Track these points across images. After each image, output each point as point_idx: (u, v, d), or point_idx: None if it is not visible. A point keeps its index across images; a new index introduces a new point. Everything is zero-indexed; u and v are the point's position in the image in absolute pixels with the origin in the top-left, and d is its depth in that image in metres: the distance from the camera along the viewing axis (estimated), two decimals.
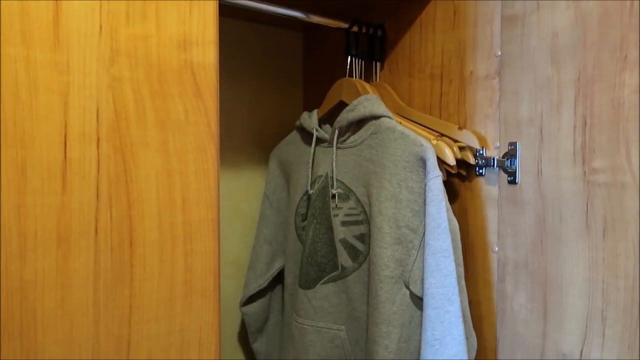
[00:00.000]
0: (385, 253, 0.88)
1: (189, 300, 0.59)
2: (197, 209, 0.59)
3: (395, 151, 0.89)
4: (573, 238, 0.77)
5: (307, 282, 0.98)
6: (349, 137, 0.97)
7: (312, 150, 1.02)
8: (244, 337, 1.14)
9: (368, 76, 1.15)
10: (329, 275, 0.96)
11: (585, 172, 0.75)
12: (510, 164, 0.88)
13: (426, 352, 0.82)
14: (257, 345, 1.10)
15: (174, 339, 0.58)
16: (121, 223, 0.54)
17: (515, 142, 0.87)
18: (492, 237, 0.91)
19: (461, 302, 0.85)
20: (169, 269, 0.57)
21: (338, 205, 0.97)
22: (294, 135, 1.11)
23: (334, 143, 0.97)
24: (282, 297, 1.11)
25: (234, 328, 1.15)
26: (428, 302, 0.82)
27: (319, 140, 1.02)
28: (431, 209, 0.85)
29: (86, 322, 0.53)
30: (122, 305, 0.55)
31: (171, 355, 0.58)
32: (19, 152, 0.49)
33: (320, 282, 0.97)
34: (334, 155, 0.97)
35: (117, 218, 0.54)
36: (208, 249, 0.60)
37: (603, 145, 0.73)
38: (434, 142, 0.93)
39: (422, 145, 0.87)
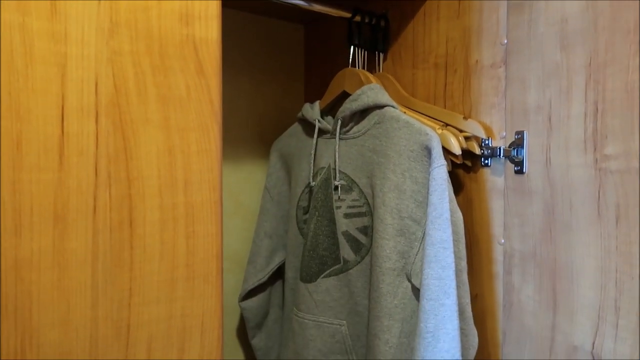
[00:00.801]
0: (388, 245, 0.86)
1: (191, 285, 0.57)
2: (199, 190, 0.57)
3: (399, 140, 0.87)
4: (584, 227, 0.75)
5: (309, 276, 0.96)
6: (352, 127, 0.96)
7: (314, 142, 1.00)
8: (243, 334, 1.11)
9: (371, 67, 1.13)
10: (331, 269, 0.94)
11: (596, 159, 0.74)
12: (517, 154, 0.86)
13: (419, 344, 0.80)
14: (256, 341, 1.07)
15: (175, 324, 0.56)
16: (121, 202, 0.52)
17: (523, 131, 0.85)
18: (498, 229, 0.89)
19: (462, 297, 0.83)
20: (170, 251, 0.55)
21: (341, 197, 0.95)
22: (296, 127, 1.09)
23: (337, 134, 0.95)
24: (283, 292, 1.09)
25: (232, 324, 1.12)
26: (424, 293, 0.80)
27: (321, 132, 1.00)
28: (434, 198, 0.83)
29: (84, 305, 0.50)
30: (122, 288, 0.52)
31: (172, 340, 0.56)
32: (14, 125, 0.47)
33: (322, 276, 0.94)
34: (337, 146, 0.95)
35: (117, 197, 0.52)
36: (210, 232, 0.57)
37: (616, 131, 0.71)
38: (439, 131, 0.91)
39: (427, 134, 0.85)
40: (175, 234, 0.56)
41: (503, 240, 0.87)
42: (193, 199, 0.56)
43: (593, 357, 0.73)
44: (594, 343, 0.73)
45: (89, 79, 0.50)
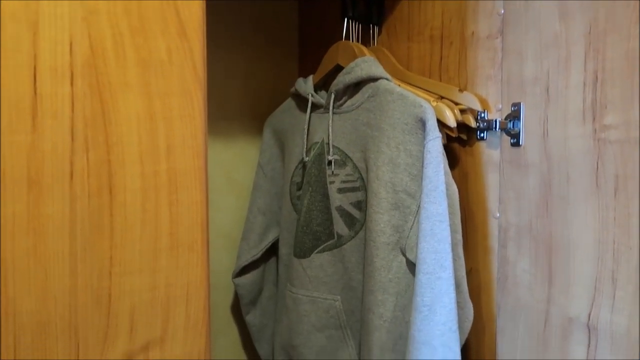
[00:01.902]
0: (382, 219, 0.84)
1: (175, 254, 0.55)
2: (182, 156, 0.55)
3: (393, 113, 0.86)
4: (582, 199, 0.73)
5: (302, 251, 0.94)
6: (345, 101, 0.94)
7: (308, 117, 0.98)
8: (237, 310, 1.11)
9: (365, 41, 1.10)
10: (325, 244, 0.93)
11: (595, 130, 0.72)
12: (513, 126, 0.85)
13: (415, 317, 0.79)
14: (251, 318, 1.06)
15: (159, 294, 0.54)
16: (99, 168, 0.50)
17: (519, 103, 0.83)
18: (493, 203, 0.87)
19: (457, 270, 0.82)
20: (153, 220, 0.53)
21: (334, 172, 0.93)
22: (289, 103, 1.07)
23: (330, 108, 0.93)
24: (277, 269, 1.08)
25: (226, 301, 1.11)
26: (420, 267, 0.79)
27: (315, 106, 0.98)
28: (429, 171, 0.82)
29: (62, 273, 0.49)
30: (102, 256, 0.51)
31: (156, 311, 0.54)
32: None
33: (316, 251, 0.93)
34: (330, 121, 0.93)
35: (95, 162, 0.50)
36: (195, 200, 0.56)
37: (615, 101, 0.69)
38: (434, 104, 0.89)
39: (421, 106, 0.83)
40: (157, 201, 0.54)
41: (498, 214, 0.86)
42: (176, 166, 0.55)
43: (589, 328, 0.72)
44: (589, 314, 0.72)
45: (62, 39, 0.48)
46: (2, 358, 0.46)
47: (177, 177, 0.55)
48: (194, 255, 0.56)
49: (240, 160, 1.14)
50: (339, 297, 0.92)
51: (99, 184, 0.51)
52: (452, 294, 0.79)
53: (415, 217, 0.84)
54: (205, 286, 0.57)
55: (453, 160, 0.95)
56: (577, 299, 0.73)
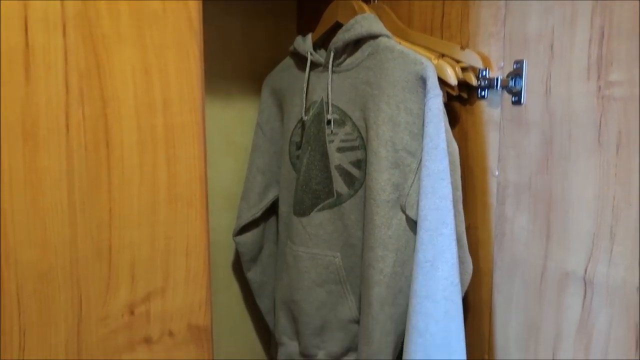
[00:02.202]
0: (382, 177, 0.84)
1: (174, 208, 0.55)
2: (179, 111, 0.54)
3: (393, 71, 0.84)
4: (583, 156, 0.73)
5: (302, 210, 0.95)
6: (345, 59, 0.92)
7: (307, 76, 0.97)
8: (239, 267, 1.12)
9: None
10: (324, 202, 0.93)
11: (600, 87, 0.71)
12: (515, 84, 0.83)
13: (417, 273, 0.80)
14: (252, 275, 1.08)
15: (159, 247, 0.55)
16: (95, 121, 0.50)
17: (522, 60, 0.82)
18: (493, 161, 0.87)
19: (458, 226, 0.82)
20: (150, 174, 0.54)
21: (334, 131, 0.93)
22: (288, 62, 1.05)
23: (330, 66, 0.92)
24: (277, 227, 1.09)
25: (227, 259, 1.13)
26: (422, 224, 0.80)
27: (314, 65, 0.97)
28: (430, 129, 0.81)
29: (61, 225, 0.49)
30: (101, 210, 0.51)
31: (156, 263, 0.55)
32: None
33: (315, 209, 0.94)
34: (330, 79, 0.92)
35: (91, 116, 0.50)
36: (193, 154, 0.55)
37: (621, 57, 0.68)
38: (435, 61, 0.88)
39: (422, 63, 0.82)
40: (155, 156, 0.54)
41: (497, 173, 0.86)
42: (173, 121, 0.54)
43: (585, 281, 0.73)
44: (586, 268, 0.73)
45: None
46: (5, 305, 0.47)
47: (174, 132, 0.55)
48: (193, 210, 0.57)
49: (239, 121, 1.14)
50: (338, 253, 0.93)
51: (96, 138, 0.50)
52: (454, 250, 0.80)
53: (415, 175, 0.84)
54: (205, 240, 0.57)
55: (453, 119, 0.94)
56: (574, 254, 0.74)
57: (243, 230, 1.05)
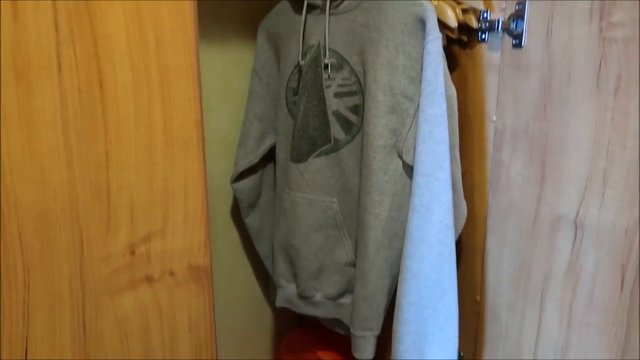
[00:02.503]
0: (379, 122, 0.84)
1: (170, 150, 0.55)
2: (173, 52, 0.53)
3: (393, 13, 0.82)
4: (581, 100, 0.73)
5: (299, 156, 0.95)
6: (342, 1, 0.89)
7: (303, 19, 0.94)
8: (237, 213, 1.14)
9: None
10: (321, 149, 0.93)
11: (601, 29, 0.69)
12: (516, 26, 0.82)
13: (412, 217, 0.81)
14: (250, 220, 1.09)
15: (157, 190, 0.56)
16: (87, 61, 0.49)
17: (524, 1, 0.80)
18: (491, 106, 0.87)
19: (454, 171, 0.83)
20: (146, 116, 0.53)
21: (331, 76, 0.91)
22: (284, 4, 1.02)
23: (327, 9, 0.89)
24: (274, 173, 1.09)
25: (226, 205, 1.14)
26: (418, 169, 0.80)
27: (311, 7, 0.94)
28: (428, 73, 0.80)
29: (59, 166, 0.49)
30: (97, 151, 0.51)
31: (155, 205, 0.56)
32: None
33: (313, 155, 0.94)
34: (327, 22, 0.90)
35: (82, 55, 0.49)
36: (188, 96, 0.55)
37: None
38: (435, 2, 0.85)
39: (421, 4, 0.80)
40: (150, 98, 0.53)
41: (495, 118, 0.85)
42: (167, 62, 0.53)
43: (576, 224, 0.74)
44: (578, 212, 0.74)
45: None
46: (7, 244, 0.48)
47: (168, 73, 0.54)
48: (190, 152, 0.57)
49: (235, 66, 1.11)
50: (335, 199, 0.94)
51: (89, 78, 0.50)
52: (449, 194, 0.81)
53: (413, 120, 0.84)
54: (202, 182, 0.58)
55: (452, 63, 0.93)
56: (567, 198, 0.75)
57: (240, 176, 1.06)
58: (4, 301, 0.50)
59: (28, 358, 0.52)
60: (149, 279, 0.57)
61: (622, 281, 0.70)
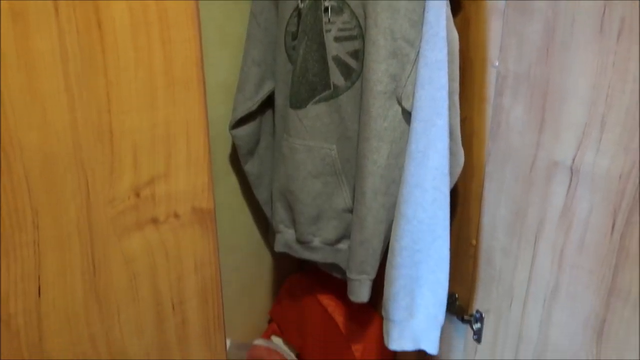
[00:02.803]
0: (379, 68, 0.83)
1: (172, 92, 0.55)
2: None
3: None
4: (583, 44, 0.72)
5: (298, 102, 0.94)
6: None
7: None
8: (235, 160, 1.14)
9: None
10: (321, 95, 0.93)
11: None
12: None
13: (408, 164, 0.82)
14: (249, 167, 1.10)
15: (159, 132, 0.56)
16: (84, 1, 0.48)
17: None
18: (494, 50, 0.85)
19: (452, 118, 0.83)
20: (146, 58, 0.53)
21: (331, 20, 0.89)
22: None
23: None
24: (273, 120, 1.09)
25: (224, 151, 1.15)
26: (416, 115, 0.80)
27: None
28: (430, 16, 0.78)
29: (60, 109, 0.49)
30: (98, 94, 0.51)
31: (157, 148, 0.56)
32: None
33: (312, 102, 0.93)
34: None
35: None
36: (188, 37, 0.54)
37: None
38: None
39: None
40: (149, 39, 0.52)
41: (497, 63, 0.84)
42: (166, 2, 0.52)
43: (572, 170, 0.75)
44: (574, 158, 0.75)
45: None
46: (15, 186, 0.49)
47: (167, 13, 0.52)
48: (191, 94, 0.56)
49: (233, 11, 1.08)
50: (334, 146, 0.94)
51: (87, 19, 0.48)
52: (446, 141, 0.81)
53: (413, 65, 0.83)
54: (204, 124, 0.58)
55: (455, 6, 0.90)
56: (565, 143, 0.76)
57: (239, 123, 1.05)
58: (15, 241, 0.51)
59: (41, 295, 0.54)
60: (154, 221, 0.59)
61: (613, 225, 0.72)
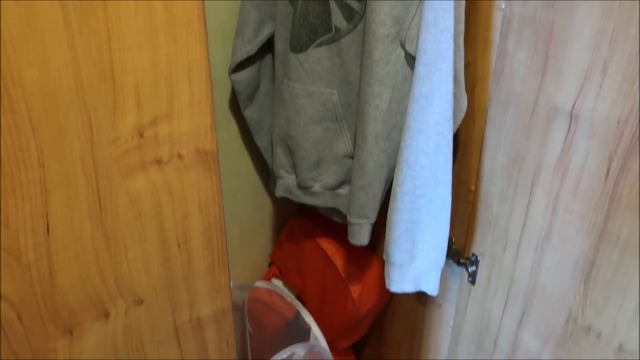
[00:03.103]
0: (382, 10, 0.81)
1: (173, 31, 0.54)
2: None
3: None
4: None
5: (299, 46, 0.93)
6: None
7: None
8: (235, 105, 1.14)
9: None
10: (322, 38, 0.91)
11: None
12: None
13: (412, 108, 0.81)
14: (249, 113, 1.09)
15: (161, 72, 0.55)
16: None
17: None
18: None
19: (456, 62, 0.82)
20: None
21: None
22: None
23: None
24: (273, 65, 1.07)
25: (224, 97, 1.14)
26: (420, 58, 0.79)
27: None
28: None
29: (60, 46, 0.49)
30: (98, 31, 0.50)
31: (160, 87, 0.56)
32: None
33: (313, 45, 0.92)
34: None
35: None
36: None
37: None
38: None
39: None
40: None
41: (504, 5, 0.83)
42: None
43: (571, 116, 0.76)
44: (574, 103, 0.75)
45: None
46: (19, 123, 0.49)
47: None
48: (192, 34, 0.55)
49: None
50: (335, 91, 0.94)
51: None
52: (450, 85, 0.80)
53: (417, 7, 0.81)
54: (206, 65, 0.57)
55: None
56: (566, 89, 0.76)
57: (239, 67, 1.04)
58: (22, 179, 0.52)
59: (50, 232, 0.56)
60: (158, 162, 0.59)
61: (608, 171, 0.73)
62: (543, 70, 0.78)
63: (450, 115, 0.83)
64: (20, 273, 0.56)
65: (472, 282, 1.01)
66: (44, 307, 0.59)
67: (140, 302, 0.67)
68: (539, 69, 0.79)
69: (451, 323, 1.09)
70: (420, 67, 0.80)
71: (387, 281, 0.94)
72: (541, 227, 0.85)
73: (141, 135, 0.56)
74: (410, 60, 0.84)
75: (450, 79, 0.80)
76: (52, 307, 0.60)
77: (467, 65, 0.88)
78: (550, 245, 0.84)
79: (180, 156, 0.59)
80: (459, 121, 0.87)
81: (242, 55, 1.03)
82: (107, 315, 0.66)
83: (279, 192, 1.09)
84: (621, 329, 0.74)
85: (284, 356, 1.09)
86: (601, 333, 0.77)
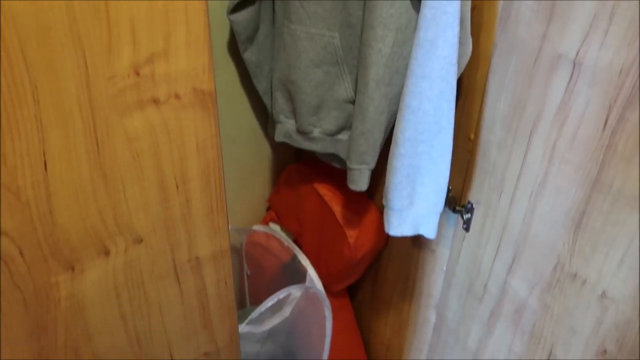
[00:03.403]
0: None
1: None
2: None
3: None
4: None
5: None
6: None
7: None
8: (234, 48, 1.11)
9: None
10: None
11: None
12: None
13: (416, 52, 0.80)
14: (248, 55, 1.07)
15: (157, 7, 0.53)
16: None
17: None
18: None
19: (463, 5, 0.79)
20: None
21: None
22: None
23: None
24: (273, 6, 1.04)
25: (223, 39, 1.11)
26: (426, 0, 0.77)
27: None
28: None
29: None
30: None
31: (156, 24, 0.54)
32: None
33: None
34: None
35: None
36: None
37: None
38: None
39: None
40: None
41: None
42: None
43: (574, 63, 0.74)
44: (578, 51, 0.73)
45: None
46: (11, 57, 0.48)
47: None
48: None
49: None
50: (336, 33, 0.91)
51: None
52: (456, 29, 0.78)
53: None
54: (203, 1, 0.56)
55: None
56: (570, 36, 0.74)
57: (238, 7, 1.01)
58: (17, 115, 0.51)
59: (48, 170, 0.56)
60: (155, 101, 0.59)
61: (606, 120, 0.72)
62: (550, 16, 0.76)
63: (455, 60, 0.81)
64: (20, 210, 0.57)
65: (467, 229, 1.03)
66: (45, 242, 0.61)
67: (139, 240, 0.69)
68: (546, 14, 0.77)
69: (444, 268, 1.12)
70: (426, 10, 0.77)
71: (386, 225, 0.95)
72: (537, 175, 0.85)
73: (137, 74, 0.55)
74: (415, 2, 0.82)
75: (457, 22, 0.78)
76: (53, 243, 0.62)
77: (473, 9, 0.86)
78: (544, 193, 0.85)
79: (177, 96, 0.59)
80: (463, 67, 0.86)
81: None
82: (107, 252, 0.67)
83: (279, 137, 1.09)
84: (606, 277, 0.76)
85: (281, 297, 1.12)
86: (586, 280, 0.80)
